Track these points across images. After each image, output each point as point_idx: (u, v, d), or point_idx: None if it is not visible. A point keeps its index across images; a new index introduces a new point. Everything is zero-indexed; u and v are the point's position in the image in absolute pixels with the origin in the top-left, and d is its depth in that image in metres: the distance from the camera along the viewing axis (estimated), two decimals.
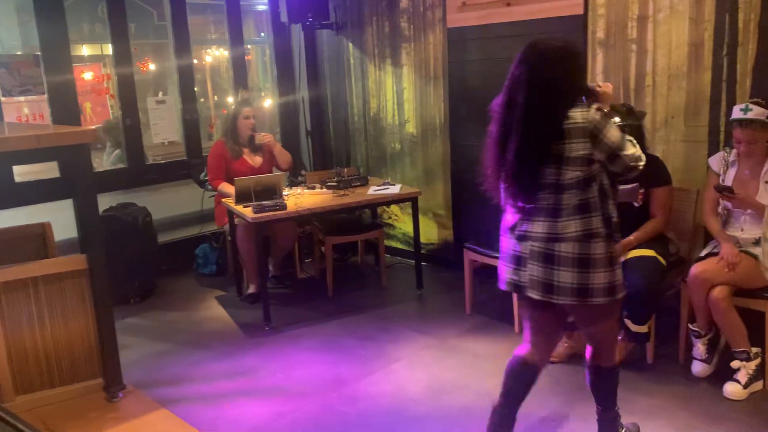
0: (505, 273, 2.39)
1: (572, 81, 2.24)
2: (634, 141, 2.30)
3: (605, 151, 2.20)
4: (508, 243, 2.38)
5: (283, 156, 4.67)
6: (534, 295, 2.31)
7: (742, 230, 3.09)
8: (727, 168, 3.14)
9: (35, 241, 3.48)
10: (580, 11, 3.82)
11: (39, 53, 4.52)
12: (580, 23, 3.83)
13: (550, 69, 2.19)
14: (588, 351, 2.51)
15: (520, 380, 2.48)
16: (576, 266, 2.22)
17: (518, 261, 2.33)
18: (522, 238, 2.31)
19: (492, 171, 2.33)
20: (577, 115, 2.18)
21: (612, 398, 2.54)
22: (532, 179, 2.23)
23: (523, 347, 2.51)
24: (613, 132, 2.21)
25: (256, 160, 4.63)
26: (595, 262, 2.22)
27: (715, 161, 3.20)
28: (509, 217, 2.38)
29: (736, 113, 3.03)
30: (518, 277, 2.34)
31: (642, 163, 2.28)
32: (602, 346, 2.46)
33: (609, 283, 2.25)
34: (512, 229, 2.35)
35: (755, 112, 2.96)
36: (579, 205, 2.22)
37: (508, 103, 2.26)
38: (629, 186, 3.12)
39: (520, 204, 2.31)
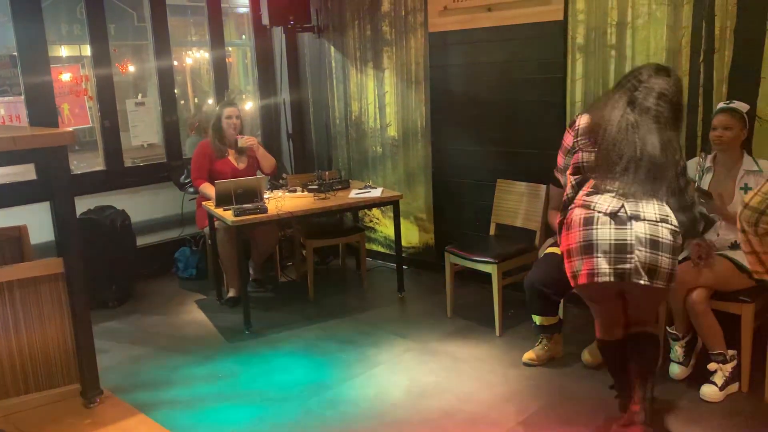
0: (604, 265, 2.45)
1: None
2: None
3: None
4: (597, 233, 2.46)
5: (267, 160, 4.65)
6: (641, 280, 2.43)
7: (717, 234, 3.13)
8: (703, 174, 3.18)
9: (11, 245, 3.42)
10: (561, 17, 3.86)
11: (15, 54, 4.46)
12: (560, 29, 3.87)
13: (679, 87, 2.60)
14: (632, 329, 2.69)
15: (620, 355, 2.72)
16: (671, 252, 2.46)
17: (622, 248, 2.43)
18: (636, 217, 2.44)
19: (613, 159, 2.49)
20: None
21: (655, 362, 2.76)
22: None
23: (607, 333, 2.72)
24: None
25: (241, 163, 4.61)
26: (678, 249, 2.52)
27: (690, 167, 3.24)
28: (604, 203, 2.48)
29: (720, 105, 3.12)
30: (623, 265, 2.43)
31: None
32: (652, 317, 2.73)
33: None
34: (615, 213, 2.45)
35: (737, 104, 3.07)
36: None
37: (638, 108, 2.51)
38: None
39: (616, 185, 2.49)
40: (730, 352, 3.01)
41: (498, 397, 3.10)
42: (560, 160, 2.80)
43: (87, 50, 4.93)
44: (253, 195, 4.09)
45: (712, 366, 3.01)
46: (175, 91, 5.34)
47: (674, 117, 2.52)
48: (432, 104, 4.67)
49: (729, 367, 2.99)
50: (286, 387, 3.30)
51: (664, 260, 2.43)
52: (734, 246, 3.07)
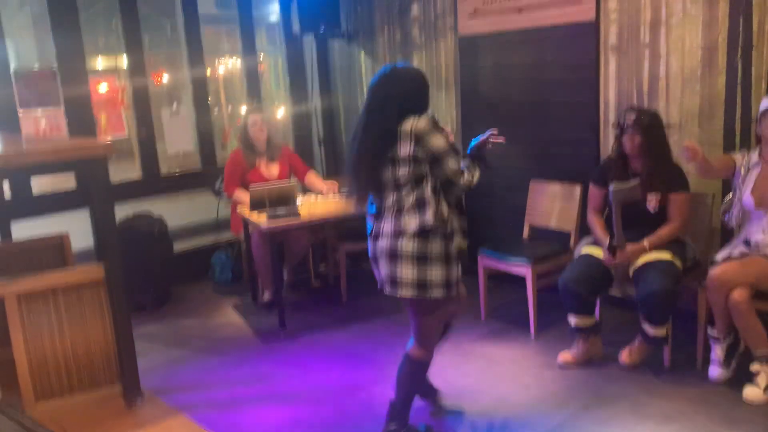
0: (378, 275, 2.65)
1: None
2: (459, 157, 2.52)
3: (428, 154, 2.45)
4: (370, 245, 2.63)
5: (318, 186, 4.68)
6: (386, 291, 2.60)
7: (764, 232, 3.05)
8: (749, 169, 3.11)
9: (54, 252, 3.53)
10: (592, 17, 3.83)
11: (55, 66, 4.59)
12: (592, 29, 3.84)
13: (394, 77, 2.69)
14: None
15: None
16: (415, 262, 2.47)
17: (375, 261, 2.63)
18: (376, 237, 2.57)
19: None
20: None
21: (401, 385, 2.77)
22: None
23: None
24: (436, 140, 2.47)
25: (272, 171, 4.66)
26: (431, 258, 2.47)
27: (739, 156, 3.17)
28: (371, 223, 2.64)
29: None
30: (380, 277, 2.63)
31: (460, 180, 2.51)
32: (417, 333, 2.69)
33: (444, 278, 2.52)
34: (371, 232, 2.61)
35: None
36: (416, 202, 2.48)
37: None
38: (629, 185, 3.11)
39: (374, 204, 2.61)
40: None
41: (533, 398, 3.09)
42: None
43: (123, 61, 5.04)
44: (286, 200, 4.14)
45: (755, 367, 2.96)
46: (209, 99, 5.42)
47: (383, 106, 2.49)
48: (463, 107, 4.67)
49: None
50: (322, 388, 3.33)
51: (405, 271, 2.48)
52: None
